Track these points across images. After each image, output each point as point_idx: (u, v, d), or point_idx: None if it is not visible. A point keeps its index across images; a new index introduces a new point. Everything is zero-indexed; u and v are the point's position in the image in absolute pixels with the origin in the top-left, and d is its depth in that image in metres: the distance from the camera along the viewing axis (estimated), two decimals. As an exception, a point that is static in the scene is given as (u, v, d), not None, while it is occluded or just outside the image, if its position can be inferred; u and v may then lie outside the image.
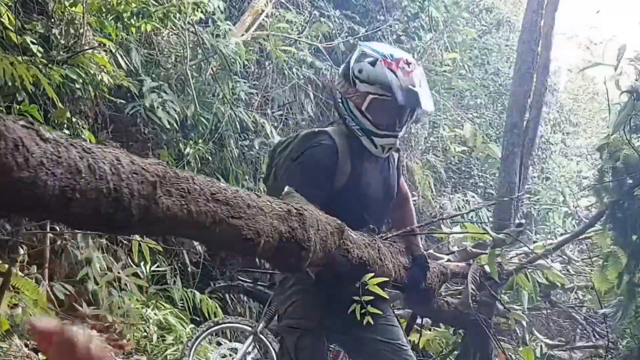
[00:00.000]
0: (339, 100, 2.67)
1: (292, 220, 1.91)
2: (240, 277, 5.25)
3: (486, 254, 3.61)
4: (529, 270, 3.79)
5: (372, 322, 2.44)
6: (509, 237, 3.72)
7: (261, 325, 4.65)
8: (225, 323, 4.81)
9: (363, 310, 2.42)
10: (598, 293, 4.09)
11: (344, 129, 2.66)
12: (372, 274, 2.42)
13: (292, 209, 1.94)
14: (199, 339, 4.56)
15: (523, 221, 4.66)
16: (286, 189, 2.25)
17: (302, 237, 1.92)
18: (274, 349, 4.57)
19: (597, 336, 5.16)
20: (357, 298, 2.44)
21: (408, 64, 2.58)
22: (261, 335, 4.60)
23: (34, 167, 1.14)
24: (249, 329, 4.65)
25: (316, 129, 2.73)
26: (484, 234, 4.05)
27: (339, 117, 2.73)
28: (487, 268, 3.63)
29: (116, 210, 1.32)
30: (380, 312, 2.49)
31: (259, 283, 5.01)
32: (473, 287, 3.50)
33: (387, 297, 2.57)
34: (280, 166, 2.65)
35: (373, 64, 2.57)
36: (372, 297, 2.42)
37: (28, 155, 1.13)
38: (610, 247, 3.79)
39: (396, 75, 2.54)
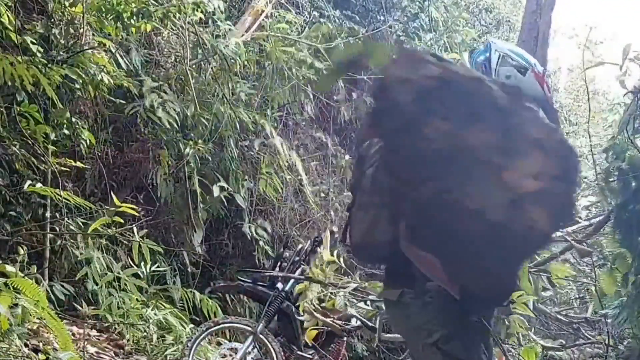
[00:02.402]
0: None
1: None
2: (240, 277, 5.25)
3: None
4: (533, 273, 3.77)
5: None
6: None
7: (261, 325, 4.64)
8: (225, 323, 4.80)
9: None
10: (599, 294, 4.08)
11: None
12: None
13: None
14: (199, 339, 4.55)
15: None
16: None
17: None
18: (273, 348, 4.57)
19: (596, 336, 5.14)
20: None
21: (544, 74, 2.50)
22: (261, 336, 4.59)
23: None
24: (249, 329, 4.65)
25: None
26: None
27: None
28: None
29: None
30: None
31: (258, 283, 5.01)
32: None
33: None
34: None
35: (522, 72, 2.44)
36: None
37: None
38: (617, 249, 3.77)
39: (543, 90, 2.44)
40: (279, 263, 5.14)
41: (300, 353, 4.81)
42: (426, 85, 1.69)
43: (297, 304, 4.54)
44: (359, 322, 3.84)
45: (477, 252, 1.84)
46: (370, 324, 3.46)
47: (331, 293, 3.77)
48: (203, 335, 4.58)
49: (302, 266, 4.92)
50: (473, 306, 2.26)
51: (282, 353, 4.65)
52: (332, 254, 4.01)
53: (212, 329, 4.65)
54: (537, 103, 2.32)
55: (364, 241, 2.43)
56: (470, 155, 1.69)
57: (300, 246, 5.32)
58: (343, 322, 3.60)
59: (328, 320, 3.53)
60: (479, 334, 2.36)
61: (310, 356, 4.81)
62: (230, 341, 5.11)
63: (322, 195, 7.92)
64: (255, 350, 4.61)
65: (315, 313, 3.55)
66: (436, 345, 2.24)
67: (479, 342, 2.33)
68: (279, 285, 4.86)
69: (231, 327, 4.92)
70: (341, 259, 3.94)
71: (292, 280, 4.75)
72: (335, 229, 5.69)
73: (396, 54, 1.77)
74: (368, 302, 3.61)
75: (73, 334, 4.63)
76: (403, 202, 1.95)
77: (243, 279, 5.17)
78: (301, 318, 3.69)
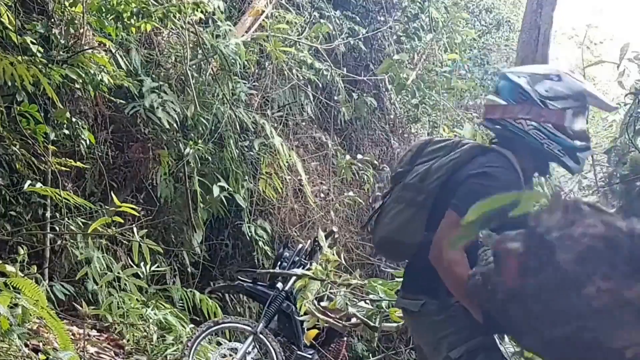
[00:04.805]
0: (531, 126, 2.37)
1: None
2: (240, 277, 5.25)
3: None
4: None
5: None
6: None
7: (261, 325, 4.65)
8: (225, 323, 4.81)
9: None
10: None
11: (509, 154, 2.42)
12: None
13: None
14: (199, 339, 4.56)
15: None
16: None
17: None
18: (273, 348, 4.57)
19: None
20: None
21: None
22: (261, 335, 4.60)
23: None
24: (249, 329, 4.65)
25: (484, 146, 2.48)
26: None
27: (498, 145, 2.44)
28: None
29: None
30: None
31: (259, 283, 5.01)
32: None
33: None
34: (448, 173, 2.38)
35: (558, 79, 2.39)
36: None
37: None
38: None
39: (583, 82, 2.42)
40: (278, 263, 5.14)
41: (300, 353, 4.81)
42: (590, 245, 1.63)
43: (296, 304, 4.55)
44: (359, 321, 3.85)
45: None
46: (371, 324, 3.46)
47: (331, 292, 3.77)
48: (203, 335, 4.59)
49: (305, 263, 4.92)
50: (497, 328, 2.25)
51: (282, 353, 4.66)
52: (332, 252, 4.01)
53: (212, 328, 4.66)
54: (586, 95, 2.37)
55: (392, 237, 2.40)
56: (629, 308, 1.65)
57: (300, 246, 5.32)
58: (345, 321, 3.60)
59: (329, 319, 3.53)
60: (499, 350, 2.36)
61: (310, 356, 4.82)
62: (230, 341, 5.11)
63: (322, 195, 7.92)
64: (255, 350, 4.62)
65: (316, 312, 3.54)
66: None
67: (499, 358, 2.32)
68: (279, 285, 4.86)
69: (231, 327, 4.92)
70: (342, 257, 3.94)
71: (292, 280, 4.75)
72: (335, 229, 5.68)
73: (550, 203, 1.72)
74: (367, 301, 3.61)
75: (73, 334, 4.63)
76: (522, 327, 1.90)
77: (243, 278, 5.17)
78: (301, 318, 3.69)
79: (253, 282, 5.02)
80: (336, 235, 6.10)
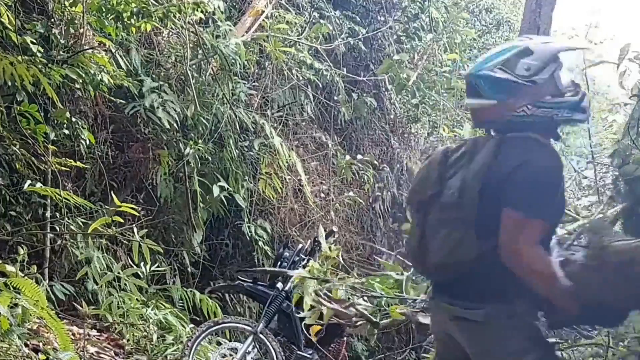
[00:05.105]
0: (534, 108, 2.35)
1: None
2: (240, 277, 5.25)
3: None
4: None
5: None
6: None
7: (261, 325, 4.65)
8: (225, 323, 4.81)
9: None
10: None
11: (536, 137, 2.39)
12: None
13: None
14: (199, 339, 4.56)
15: None
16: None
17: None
18: (273, 348, 4.57)
19: (596, 336, 5.13)
20: None
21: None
22: (261, 335, 4.60)
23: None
24: (249, 328, 4.65)
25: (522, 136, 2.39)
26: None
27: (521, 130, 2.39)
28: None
29: None
30: None
31: (259, 283, 5.01)
32: None
33: None
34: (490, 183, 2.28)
35: (529, 53, 2.37)
36: None
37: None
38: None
39: (549, 43, 2.42)
40: (279, 263, 5.14)
41: (300, 353, 4.81)
42: None
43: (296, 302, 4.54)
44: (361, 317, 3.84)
45: None
46: (373, 319, 3.46)
47: (328, 292, 3.76)
48: (203, 335, 4.59)
49: (305, 264, 4.91)
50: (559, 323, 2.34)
51: (282, 353, 4.66)
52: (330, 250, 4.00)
53: (212, 328, 4.66)
54: (559, 50, 2.37)
55: (448, 262, 2.30)
56: None
57: (300, 246, 5.32)
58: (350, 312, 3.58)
59: (335, 306, 3.49)
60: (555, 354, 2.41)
61: (310, 356, 4.82)
62: (230, 341, 5.11)
63: (322, 195, 7.92)
64: (255, 350, 4.62)
65: (323, 301, 3.50)
66: None
67: None
68: (279, 285, 4.87)
69: (231, 326, 4.92)
70: (340, 256, 3.94)
71: (291, 280, 4.75)
72: (335, 228, 5.68)
73: None
74: (366, 299, 3.61)
75: (73, 334, 4.64)
76: None
77: (243, 278, 5.17)
78: (303, 314, 3.67)
79: (253, 282, 5.02)
80: (336, 236, 6.10)
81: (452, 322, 2.39)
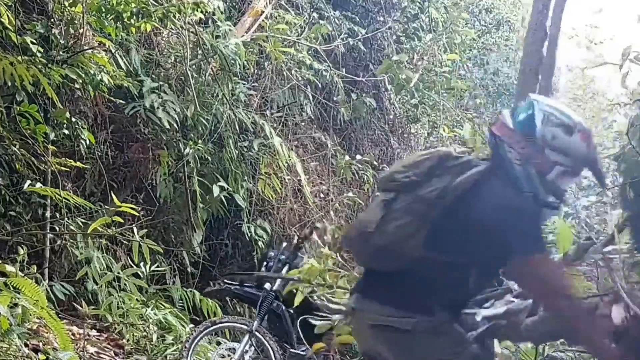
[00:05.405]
0: (516, 162, 2.36)
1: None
2: (226, 281, 5.19)
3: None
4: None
5: None
6: None
7: (255, 323, 4.64)
8: (222, 323, 4.80)
9: None
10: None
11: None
12: None
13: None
14: (197, 339, 4.55)
15: None
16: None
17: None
18: (270, 346, 4.57)
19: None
20: None
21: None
22: (257, 333, 4.59)
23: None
24: (245, 327, 4.65)
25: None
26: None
27: (494, 167, 2.41)
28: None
29: None
30: None
31: (246, 285, 4.97)
32: None
33: None
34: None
35: (569, 133, 2.33)
36: None
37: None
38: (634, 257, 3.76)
39: (589, 150, 2.36)
40: (264, 263, 5.11)
41: (293, 351, 4.80)
42: None
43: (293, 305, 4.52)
44: None
45: None
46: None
47: (329, 289, 3.75)
48: (201, 335, 4.58)
49: (290, 262, 4.89)
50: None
51: (279, 350, 4.65)
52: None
53: (210, 328, 4.65)
54: (585, 164, 2.34)
55: (393, 248, 2.30)
56: None
57: (284, 244, 5.28)
58: None
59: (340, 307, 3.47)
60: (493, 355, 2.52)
61: (303, 353, 4.80)
62: (229, 341, 5.10)
63: (322, 195, 7.93)
64: (253, 348, 4.61)
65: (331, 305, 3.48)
66: None
67: None
68: (267, 285, 4.84)
69: (228, 326, 4.91)
70: (338, 256, 3.93)
71: (279, 280, 4.75)
72: (319, 224, 5.58)
73: None
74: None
75: (73, 334, 4.64)
76: None
77: (229, 282, 5.11)
78: (316, 323, 3.62)
79: (240, 285, 4.98)
80: (329, 234, 6.05)
81: (379, 333, 2.36)
